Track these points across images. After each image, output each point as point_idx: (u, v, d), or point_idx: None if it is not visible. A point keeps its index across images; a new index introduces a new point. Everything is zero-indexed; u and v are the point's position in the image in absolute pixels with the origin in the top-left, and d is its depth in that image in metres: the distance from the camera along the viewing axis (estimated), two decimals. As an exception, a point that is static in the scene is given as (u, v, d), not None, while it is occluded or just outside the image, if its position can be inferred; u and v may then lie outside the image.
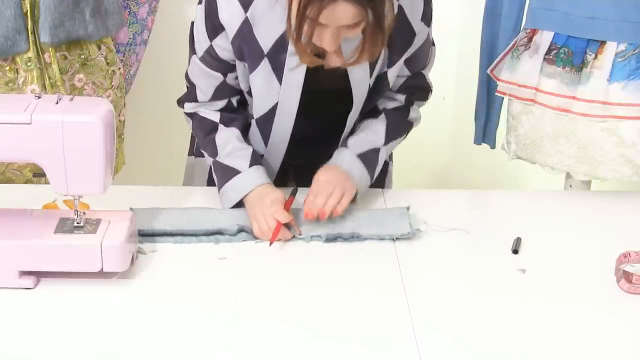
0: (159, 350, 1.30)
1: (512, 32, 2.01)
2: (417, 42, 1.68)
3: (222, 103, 1.73)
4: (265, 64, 1.62)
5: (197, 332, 1.34)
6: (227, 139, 1.70)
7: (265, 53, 1.61)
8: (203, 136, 1.73)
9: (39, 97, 1.42)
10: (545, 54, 1.86)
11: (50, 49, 1.91)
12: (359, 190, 1.69)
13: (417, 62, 1.73)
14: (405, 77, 1.75)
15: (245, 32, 1.60)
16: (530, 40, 1.90)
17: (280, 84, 1.64)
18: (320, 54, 1.56)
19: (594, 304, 1.45)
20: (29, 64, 1.90)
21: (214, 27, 1.62)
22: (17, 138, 1.38)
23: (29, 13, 1.86)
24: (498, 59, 2.00)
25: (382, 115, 1.76)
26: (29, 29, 1.87)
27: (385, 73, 1.68)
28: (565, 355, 1.31)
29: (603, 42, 1.80)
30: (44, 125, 1.38)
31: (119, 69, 2.10)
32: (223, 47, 1.64)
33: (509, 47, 1.97)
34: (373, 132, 1.74)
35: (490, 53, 2.07)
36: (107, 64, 2.04)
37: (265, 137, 1.74)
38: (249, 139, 1.76)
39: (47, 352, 1.29)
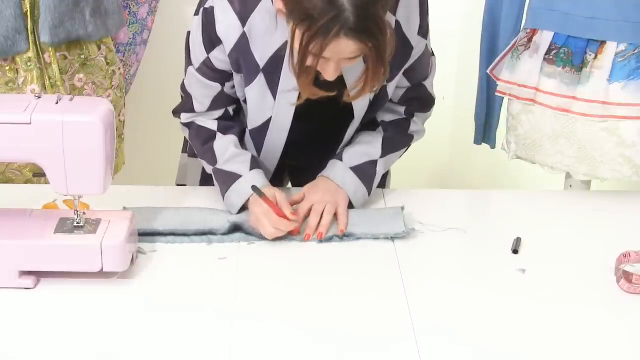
0: (159, 350, 1.30)
1: (512, 32, 2.01)
2: (415, 55, 1.67)
3: (219, 113, 1.72)
4: (260, 79, 1.62)
5: (197, 332, 1.34)
6: (226, 146, 1.69)
7: (261, 68, 1.61)
8: (201, 145, 1.72)
9: (39, 97, 1.42)
10: (545, 54, 1.86)
11: (50, 49, 1.91)
12: (355, 204, 1.68)
13: (416, 74, 1.72)
14: (405, 88, 1.74)
15: (242, 46, 1.59)
16: (530, 40, 1.90)
17: (275, 99, 1.64)
18: (320, 82, 1.56)
19: (594, 304, 1.45)
20: (29, 64, 1.90)
21: (211, 40, 1.61)
22: (17, 138, 1.38)
23: (29, 13, 1.86)
24: (498, 59, 2.00)
25: (380, 128, 1.75)
26: (29, 29, 1.87)
27: (385, 86, 1.68)
28: (565, 355, 1.31)
29: (603, 42, 1.80)
30: (44, 125, 1.38)
31: (119, 69, 2.10)
32: (220, 59, 1.63)
33: (509, 47, 1.97)
34: (369, 145, 1.73)
35: (490, 53, 2.07)
36: (107, 64, 2.04)
37: (259, 148, 1.74)
38: (245, 145, 1.76)
39: (47, 352, 1.29)
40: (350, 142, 1.77)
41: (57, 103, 1.41)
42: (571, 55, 1.83)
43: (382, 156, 1.73)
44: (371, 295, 1.45)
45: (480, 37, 2.09)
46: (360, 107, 1.68)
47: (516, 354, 1.31)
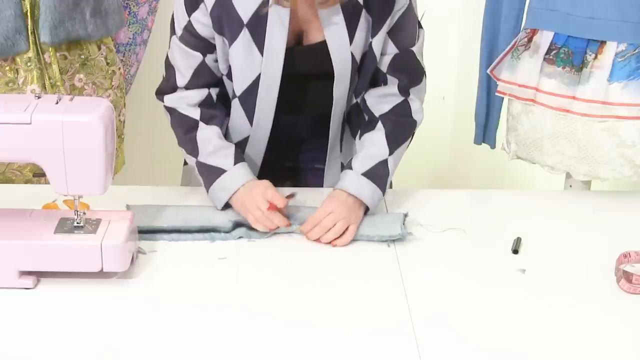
0: (159, 350, 1.30)
1: (512, 32, 2.01)
2: (397, 9, 1.66)
3: (201, 94, 1.71)
4: (245, 35, 1.62)
5: (197, 331, 1.34)
6: (209, 137, 1.69)
7: (245, 23, 1.61)
8: (183, 134, 1.71)
9: (39, 97, 1.42)
10: (545, 54, 1.86)
11: (50, 49, 1.91)
12: (370, 207, 1.66)
13: (403, 37, 1.71)
14: (393, 54, 1.72)
15: (224, 1, 1.60)
16: (530, 40, 1.90)
17: (262, 54, 1.63)
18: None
19: (594, 304, 1.45)
20: (29, 64, 1.90)
21: (193, 0, 1.62)
22: (17, 138, 1.38)
23: (29, 13, 1.86)
24: (498, 59, 2.00)
25: (379, 124, 1.72)
26: (29, 29, 1.87)
27: (370, 45, 1.67)
28: (565, 355, 1.31)
29: (603, 42, 1.80)
30: (44, 125, 1.38)
31: (119, 69, 2.10)
32: (202, 22, 1.63)
33: (509, 47, 1.97)
34: (374, 146, 1.70)
35: (490, 53, 2.07)
36: (107, 64, 2.04)
37: (250, 114, 1.72)
38: (229, 132, 1.75)
39: (47, 352, 1.29)
40: (342, 131, 1.78)
41: (57, 103, 1.41)
42: (571, 55, 1.83)
43: (391, 153, 1.71)
44: (371, 295, 1.45)
45: (480, 37, 2.09)
46: (340, 65, 1.67)
47: (517, 353, 1.31)
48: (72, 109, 1.40)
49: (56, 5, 1.87)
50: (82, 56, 1.98)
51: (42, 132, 1.38)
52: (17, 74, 1.91)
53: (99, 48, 2.02)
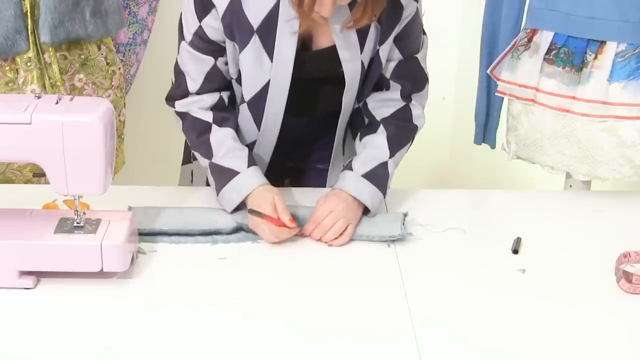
0: (159, 350, 1.30)
1: (512, 32, 2.01)
2: (405, 16, 1.66)
3: (212, 98, 1.70)
4: (255, 41, 1.61)
5: (197, 332, 1.34)
6: (222, 139, 1.68)
7: (255, 29, 1.60)
8: (196, 137, 1.70)
9: (39, 97, 1.42)
10: (545, 54, 1.86)
11: (50, 49, 1.91)
12: (372, 210, 1.66)
13: (408, 43, 1.71)
14: (397, 61, 1.72)
15: (235, 7, 1.59)
16: (530, 40, 1.90)
17: (272, 60, 1.63)
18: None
19: (594, 304, 1.45)
20: (29, 64, 1.90)
21: (204, 6, 1.61)
22: (17, 138, 1.38)
23: (29, 13, 1.86)
24: (498, 59, 2.00)
25: (381, 127, 1.72)
26: (29, 29, 1.87)
27: (377, 52, 1.67)
28: (565, 355, 1.31)
29: (603, 42, 1.80)
30: (44, 125, 1.38)
31: (119, 69, 2.10)
32: (213, 26, 1.62)
33: (509, 47, 1.97)
34: (375, 148, 1.70)
35: (490, 53, 2.07)
36: (107, 64, 2.04)
37: (258, 119, 1.71)
38: (240, 133, 1.74)
39: (47, 352, 1.29)
40: (345, 134, 1.78)
41: (57, 103, 1.41)
42: (571, 55, 1.83)
43: (391, 156, 1.71)
44: (371, 295, 1.45)
45: (480, 37, 2.09)
46: (351, 74, 1.67)
47: (517, 353, 1.31)
48: (72, 109, 1.40)
49: (56, 5, 1.87)
50: (82, 56, 1.98)
51: (42, 132, 1.38)
52: (17, 74, 1.91)
53: (99, 48, 2.02)
